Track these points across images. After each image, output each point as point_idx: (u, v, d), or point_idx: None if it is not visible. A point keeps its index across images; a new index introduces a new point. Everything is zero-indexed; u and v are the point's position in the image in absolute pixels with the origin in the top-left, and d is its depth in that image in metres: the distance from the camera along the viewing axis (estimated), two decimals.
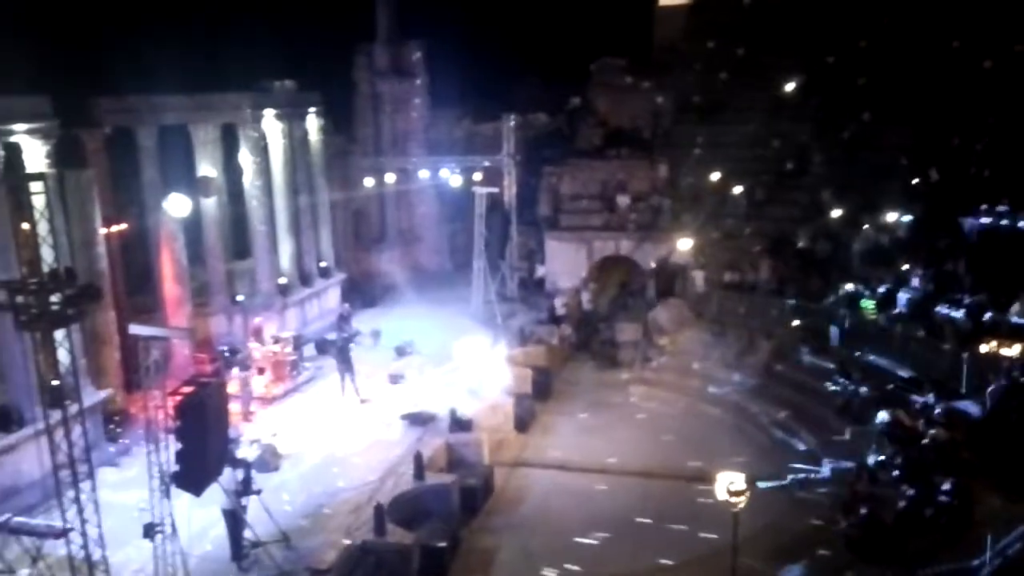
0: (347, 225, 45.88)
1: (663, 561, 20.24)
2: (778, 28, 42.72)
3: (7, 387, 22.77)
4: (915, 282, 28.98)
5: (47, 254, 14.34)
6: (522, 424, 28.37)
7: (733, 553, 16.90)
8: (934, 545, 17.73)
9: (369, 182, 44.85)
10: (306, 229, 38.05)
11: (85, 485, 14.81)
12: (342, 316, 36.82)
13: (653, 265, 37.65)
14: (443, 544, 20.48)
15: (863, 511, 19.43)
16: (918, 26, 38.39)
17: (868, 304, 28.70)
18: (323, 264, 39.56)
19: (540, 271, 42.31)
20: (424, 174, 45.18)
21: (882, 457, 21.49)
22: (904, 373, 25.83)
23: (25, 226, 14.49)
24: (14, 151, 22.66)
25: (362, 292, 42.99)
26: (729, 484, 16.48)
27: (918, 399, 23.70)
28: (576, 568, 20.37)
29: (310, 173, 38.38)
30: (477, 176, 41.30)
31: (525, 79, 52.85)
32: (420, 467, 22.99)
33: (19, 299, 13.91)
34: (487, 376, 29.29)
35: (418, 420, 27.48)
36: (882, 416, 23.06)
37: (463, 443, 25.46)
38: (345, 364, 29.95)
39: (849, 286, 30.16)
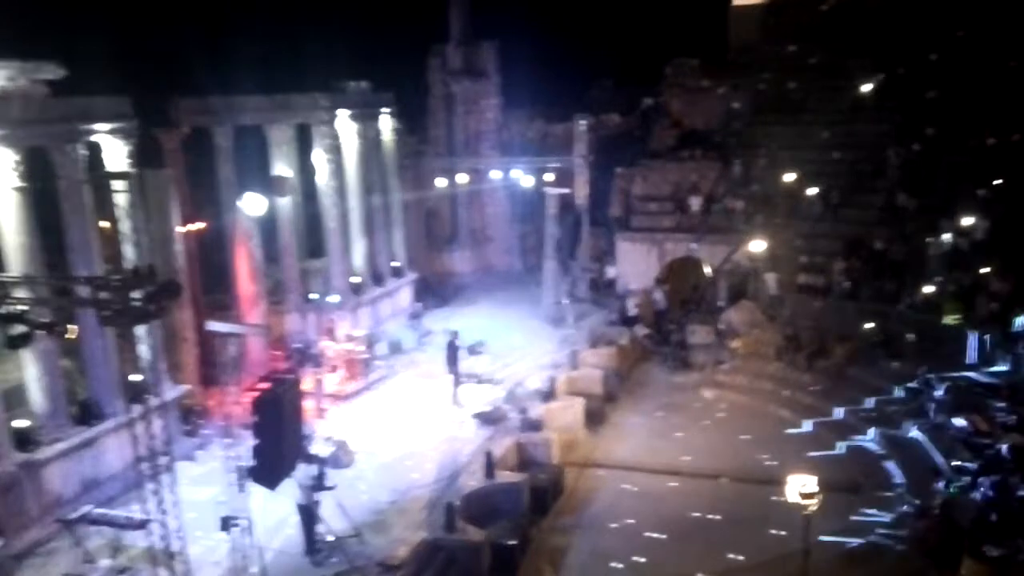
0: (419, 225, 46.18)
1: (733, 556, 20.25)
2: (856, 30, 42.04)
3: (89, 382, 23.37)
4: (993, 286, 28.31)
5: (128, 252, 14.65)
6: (592, 425, 28.31)
7: (804, 556, 16.78)
8: (1012, 550, 17.35)
9: (441, 182, 45.10)
10: (379, 229, 38.35)
11: (164, 478, 15.13)
12: (414, 315, 37.18)
13: (709, 271, 37.32)
14: (513, 542, 20.55)
15: (937, 515, 19.16)
16: (1003, 28, 37.48)
17: (951, 308, 28.11)
18: (395, 263, 39.82)
19: (610, 272, 42.16)
20: (496, 175, 45.23)
21: (958, 462, 21.16)
22: (982, 378, 25.33)
23: (107, 224, 14.75)
24: (96, 151, 23.18)
25: (434, 292, 43.21)
26: (801, 486, 16.38)
27: (996, 404, 23.26)
28: (643, 560, 20.45)
29: (383, 173, 38.71)
30: (548, 177, 41.18)
31: (598, 80, 52.84)
32: (490, 466, 23.05)
33: (102, 295, 14.20)
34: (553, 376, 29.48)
35: (489, 419, 27.60)
36: (959, 421, 22.72)
37: (533, 443, 25.46)
38: (453, 363, 29.92)
39: (926, 289, 29.61)
